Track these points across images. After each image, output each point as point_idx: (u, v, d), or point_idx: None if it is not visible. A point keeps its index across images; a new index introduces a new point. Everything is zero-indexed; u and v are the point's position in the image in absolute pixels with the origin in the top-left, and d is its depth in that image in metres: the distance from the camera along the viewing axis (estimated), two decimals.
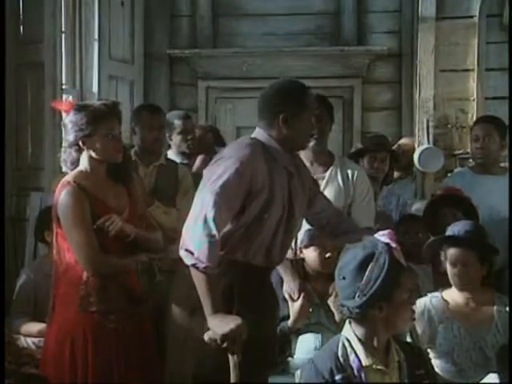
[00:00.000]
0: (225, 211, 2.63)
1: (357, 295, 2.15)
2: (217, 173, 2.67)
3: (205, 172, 2.76)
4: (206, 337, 2.58)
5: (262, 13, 5.99)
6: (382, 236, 2.21)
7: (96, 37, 5.49)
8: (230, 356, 2.58)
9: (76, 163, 3.02)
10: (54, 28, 4.84)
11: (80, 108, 3.01)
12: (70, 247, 2.96)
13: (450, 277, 3.17)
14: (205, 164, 4.41)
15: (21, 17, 4.92)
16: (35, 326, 3.67)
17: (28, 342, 3.62)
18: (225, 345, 2.54)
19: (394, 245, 2.18)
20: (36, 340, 3.62)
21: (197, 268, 2.59)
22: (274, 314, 2.95)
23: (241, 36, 6.05)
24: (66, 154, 3.04)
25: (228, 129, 5.64)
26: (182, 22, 6.12)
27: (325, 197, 3.16)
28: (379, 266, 2.14)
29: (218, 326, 2.55)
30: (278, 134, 2.78)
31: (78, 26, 5.33)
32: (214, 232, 2.58)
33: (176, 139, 4.36)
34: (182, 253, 2.63)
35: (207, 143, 4.66)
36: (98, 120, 2.96)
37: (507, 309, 3.13)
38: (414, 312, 2.24)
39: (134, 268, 3.11)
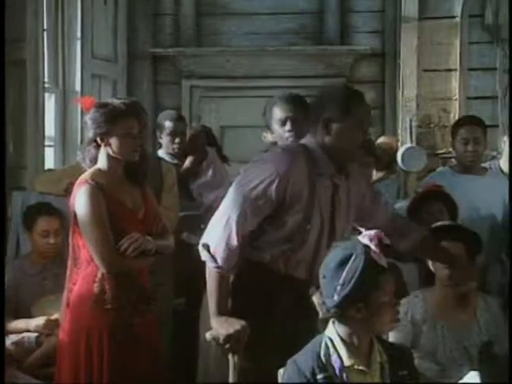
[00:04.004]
0: (250, 215, 2.59)
1: (335, 294, 2.16)
2: (250, 175, 2.63)
3: (241, 171, 2.72)
4: (208, 335, 2.59)
5: (246, 12, 5.97)
6: (364, 237, 2.21)
7: (79, 35, 5.44)
8: (229, 356, 2.59)
9: (94, 161, 3.07)
10: (36, 26, 4.79)
11: (100, 106, 3.06)
12: (85, 244, 2.99)
13: (438, 273, 3.18)
14: (194, 165, 4.42)
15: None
16: (24, 323, 3.68)
17: (7, 343, 3.60)
18: (227, 345, 2.55)
19: (373, 247, 2.18)
20: (15, 339, 3.61)
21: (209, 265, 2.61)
22: (310, 326, 2.91)
23: (224, 35, 6.02)
24: (85, 152, 3.09)
25: (212, 128, 5.62)
26: (165, 20, 6.08)
27: (387, 207, 3.05)
28: (355, 267, 2.14)
29: (223, 326, 2.56)
30: (323, 141, 2.68)
31: (60, 25, 5.30)
32: (234, 234, 2.58)
33: (165, 140, 4.38)
34: (200, 246, 2.63)
35: (199, 144, 4.65)
36: (116, 118, 3.00)
37: (490, 308, 3.15)
38: (396, 314, 2.23)
39: (146, 267, 3.14)
